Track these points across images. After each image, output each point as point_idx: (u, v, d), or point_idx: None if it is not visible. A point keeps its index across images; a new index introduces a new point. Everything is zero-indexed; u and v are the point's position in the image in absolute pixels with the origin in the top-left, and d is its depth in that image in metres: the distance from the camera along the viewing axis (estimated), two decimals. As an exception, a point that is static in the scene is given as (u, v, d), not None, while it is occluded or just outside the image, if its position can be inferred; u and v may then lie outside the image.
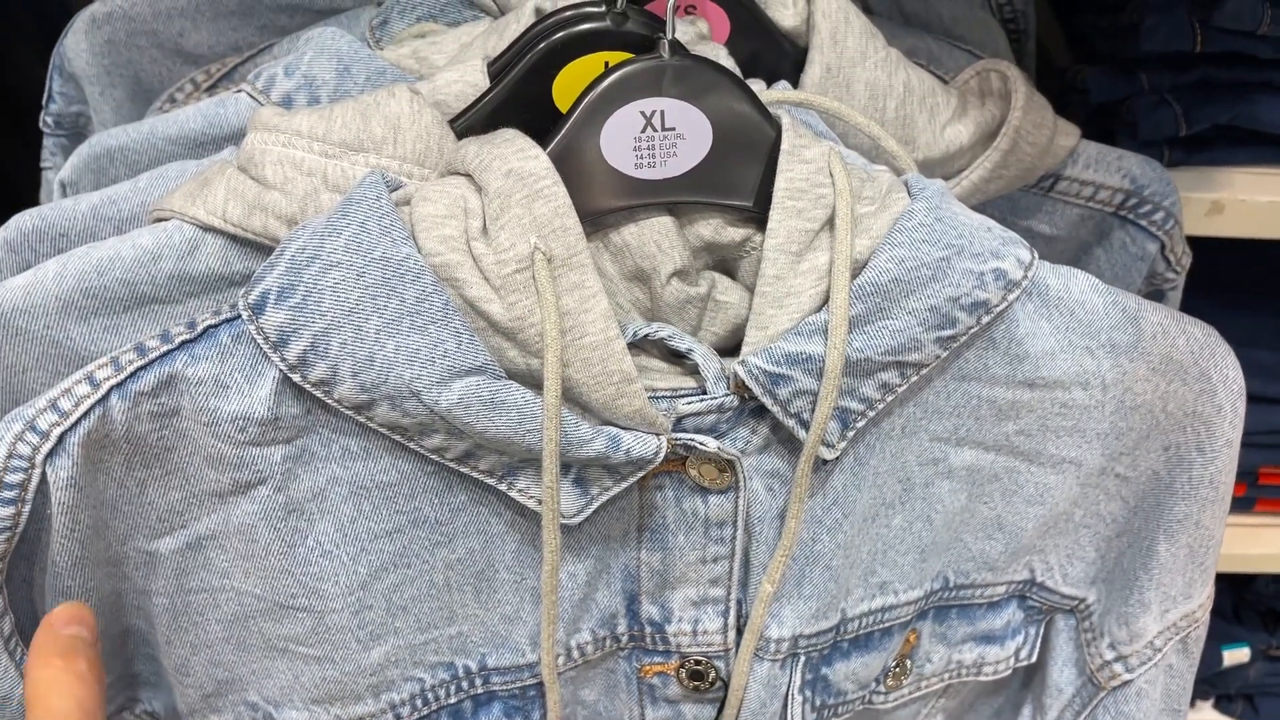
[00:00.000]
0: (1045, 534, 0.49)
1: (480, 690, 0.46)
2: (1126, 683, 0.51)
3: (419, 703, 0.45)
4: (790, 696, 0.47)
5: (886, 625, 0.49)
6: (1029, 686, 0.57)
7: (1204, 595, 0.50)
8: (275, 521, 0.41)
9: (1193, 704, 1.09)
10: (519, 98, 0.43)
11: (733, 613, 0.46)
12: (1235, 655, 0.96)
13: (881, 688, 0.51)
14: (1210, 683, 1.03)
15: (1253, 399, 0.81)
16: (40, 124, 0.58)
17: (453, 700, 0.46)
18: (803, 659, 0.47)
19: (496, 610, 0.45)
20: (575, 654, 0.46)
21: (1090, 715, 0.53)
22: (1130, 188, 0.52)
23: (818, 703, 0.48)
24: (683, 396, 0.41)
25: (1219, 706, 1.08)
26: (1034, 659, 0.54)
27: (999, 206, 0.53)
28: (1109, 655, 0.51)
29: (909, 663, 0.52)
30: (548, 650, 0.43)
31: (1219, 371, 0.44)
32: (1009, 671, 0.54)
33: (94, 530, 0.39)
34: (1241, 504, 0.88)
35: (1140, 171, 0.52)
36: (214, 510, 0.40)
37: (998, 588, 0.51)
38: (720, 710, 0.48)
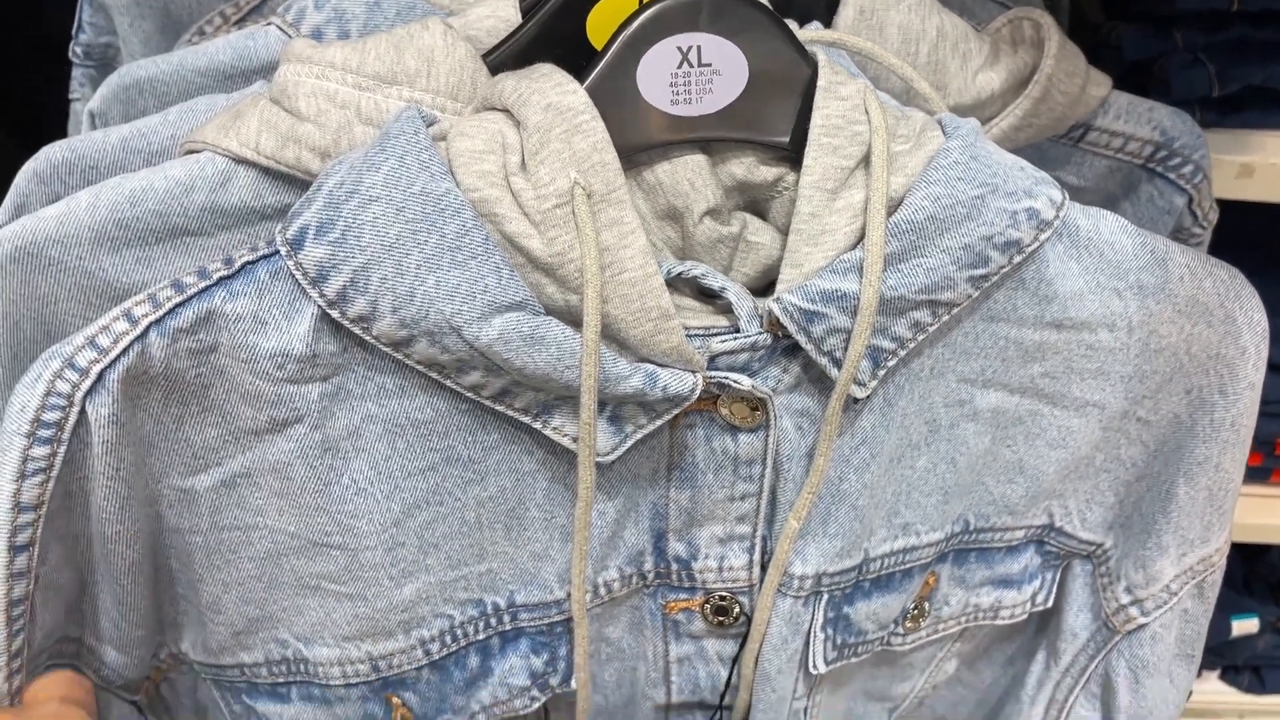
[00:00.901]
0: (1066, 478, 0.51)
1: (509, 627, 0.48)
2: (1141, 626, 0.53)
3: (448, 639, 0.47)
4: (812, 634, 0.49)
5: (907, 566, 0.50)
6: (1043, 632, 0.59)
7: (1221, 539, 0.52)
8: (311, 460, 0.42)
9: (1199, 674, 1.12)
10: (552, 33, 0.44)
11: (758, 549, 0.47)
12: (1244, 625, 0.98)
13: (900, 629, 0.53)
14: (1218, 653, 1.05)
15: (1273, 368, 0.83)
16: (69, 54, 0.59)
17: (481, 636, 0.48)
18: (825, 597, 0.48)
19: (526, 548, 0.46)
20: (602, 591, 0.48)
21: (1104, 659, 0.55)
22: (1160, 139, 0.53)
23: (838, 641, 0.50)
24: (716, 335, 0.42)
25: (1225, 678, 1.11)
26: (1050, 604, 0.56)
27: (1027, 156, 0.53)
28: (1125, 599, 0.53)
29: (927, 605, 0.53)
30: (578, 587, 0.45)
31: (1244, 314, 0.46)
32: (1025, 616, 0.56)
33: (136, 469, 0.40)
34: (1257, 474, 0.90)
35: (1171, 124, 0.53)
36: (250, 448, 0.41)
37: (1016, 532, 0.52)
38: (742, 646, 0.50)
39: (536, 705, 0.49)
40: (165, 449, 0.41)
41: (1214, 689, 1.09)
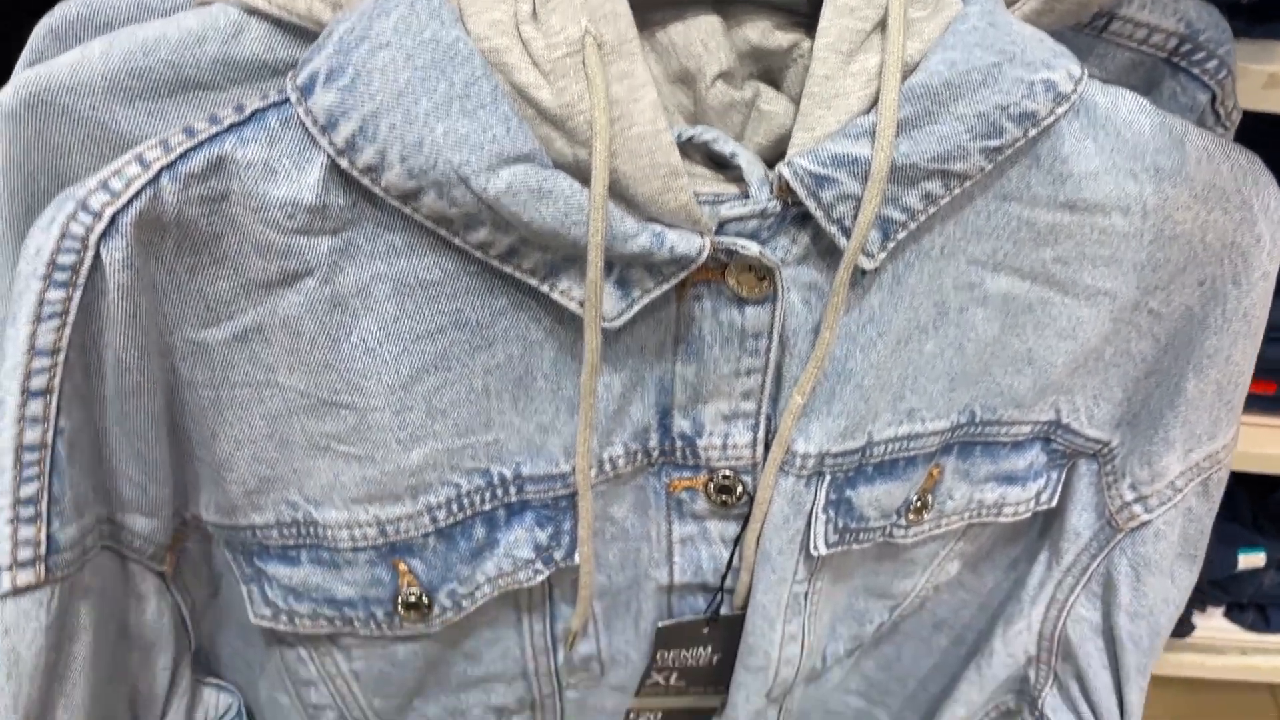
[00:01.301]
0: (1074, 372, 0.51)
1: (514, 498, 0.49)
2: (1145, 524, 0.54)
3: (454, 507, 0.48)
4: (814, 515, 0.49)
5: (911, 454, 0.51)
6: (1046, 535, 0.59)
7: (1229, 435, 0.52)
8: (320, 315, 0.43)
9: (1204, 609, 1.12)
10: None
11: (762, 428, 0.48)
12: (1251, 559, 0.98)
13: (902, 521, 0.54)
14: (1223, 588, 1.06)
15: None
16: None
17: (487, 507, 0.49)
18: (827, 478, 0.49)
19: (533, 419, 0.47)
20: (607, 467, 0.49)
21: (1106, 558, 0.56)
22: (1185, 32, 0.53)
23: (840, 524, 0.50)
24: (725, 202, 0.42)
25: (1230, 615, 1.11)
26: (1054, 503, 0.56)
27: (1048, 44, 0.54)
28: (1129, 496, 0.54)
29: (931, 498, 0.54)
30: (582, 456, 0.45)
31: (1260, 200, 0.46)
32: (1029, 514, 0.56)
33: (151, 317, 0.41)
34: (1270, 404, 0.90)
35: (1196, 15, 0.53)
36: (261, 301, 0.42)
37: (1023, 427, 0.53)
38: (744, 527, 0.50)
39: (540, 578, 0.50)
40: (178, 300, 0.42)
41: (1218, 625, 1.10)
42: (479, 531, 0.49)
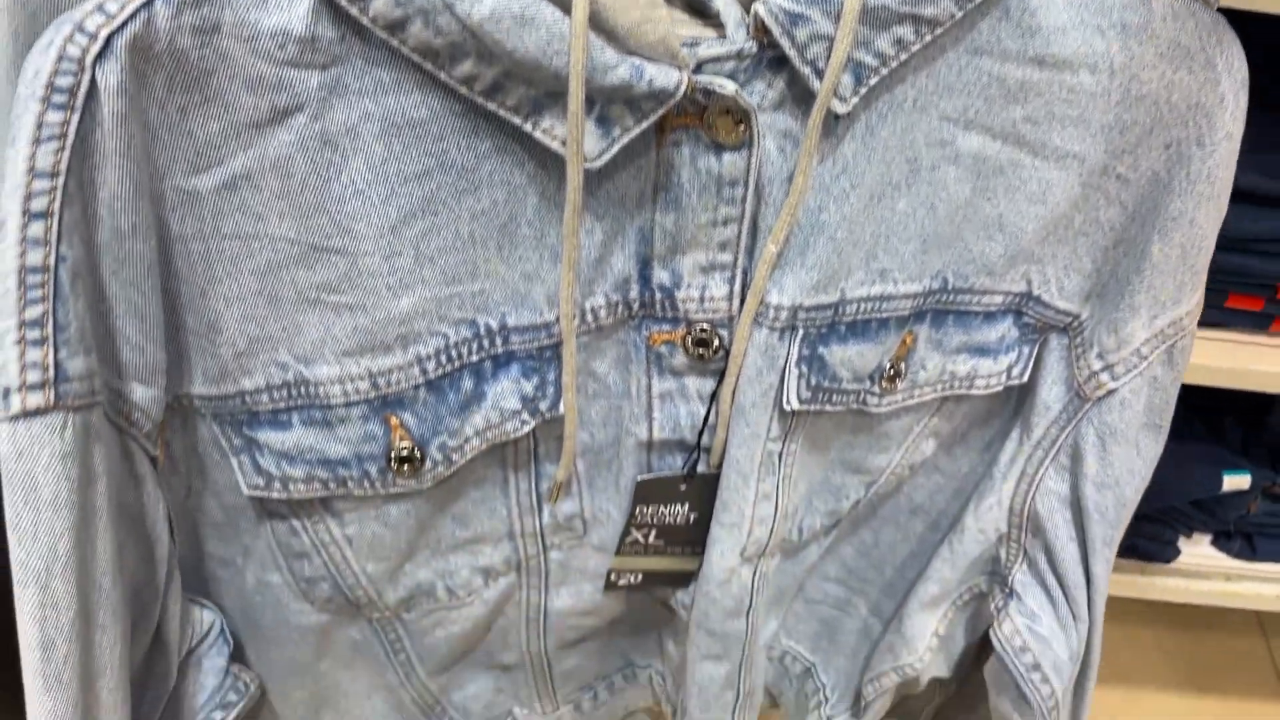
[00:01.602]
0: (1045, 240, 0.53)
1: (500, 350, 0.51)
2: (1111, 392, 0.56)
3: (443, 359, 0.50)
4: (787, 369, 0.52)
5: (884, 316, 0.53)
6: (1018, 414, 0.61)
7: (1193, 301, 0.54)
8: (311, 153, 0.44)
9: (1190, 536, 1.14)
10: None
11: (739, 281, 0.50)
12: (1235, 481, 1.00)
13: (875, 389, 0.56)
14: (1209, 512, 1.07)
15: (1278, 205, 0.84)
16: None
17: (474, 358, 0.50)
18: (800, 332, 0.51)
19: (518, 266, 0.49)
20: (589, 318, 0.51)
21: (1075, 429, 0.58)
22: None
23: (813, 382, 0.52)
24: (703, 43, 0.44)
25: (1217, 543, 1.13)
26: (1025, 378, 0.58)
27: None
28: (1096, 365, 0.56)
29: (904, 366, 0.56)
30: (566, 300, 0.47)
31: (1224, 59, 0.47)
32: (1000, 388, 0.58)
33: (144, 156, 0.42)
34: (1257, 321, 0.91)
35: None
36: (252, 144, 0.44)
37: (995, 297, 0.55)
38: (720, 381, 0.53)
39: (527, 429, 0.52)
40: (169, 142, 0.43)
41: (1204, 553, 1.12)
42: (467, 384, 0.51)
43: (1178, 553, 1.10)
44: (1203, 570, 1.11)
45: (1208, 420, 1.07)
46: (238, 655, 0.60)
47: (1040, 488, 0.61)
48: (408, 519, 0.54)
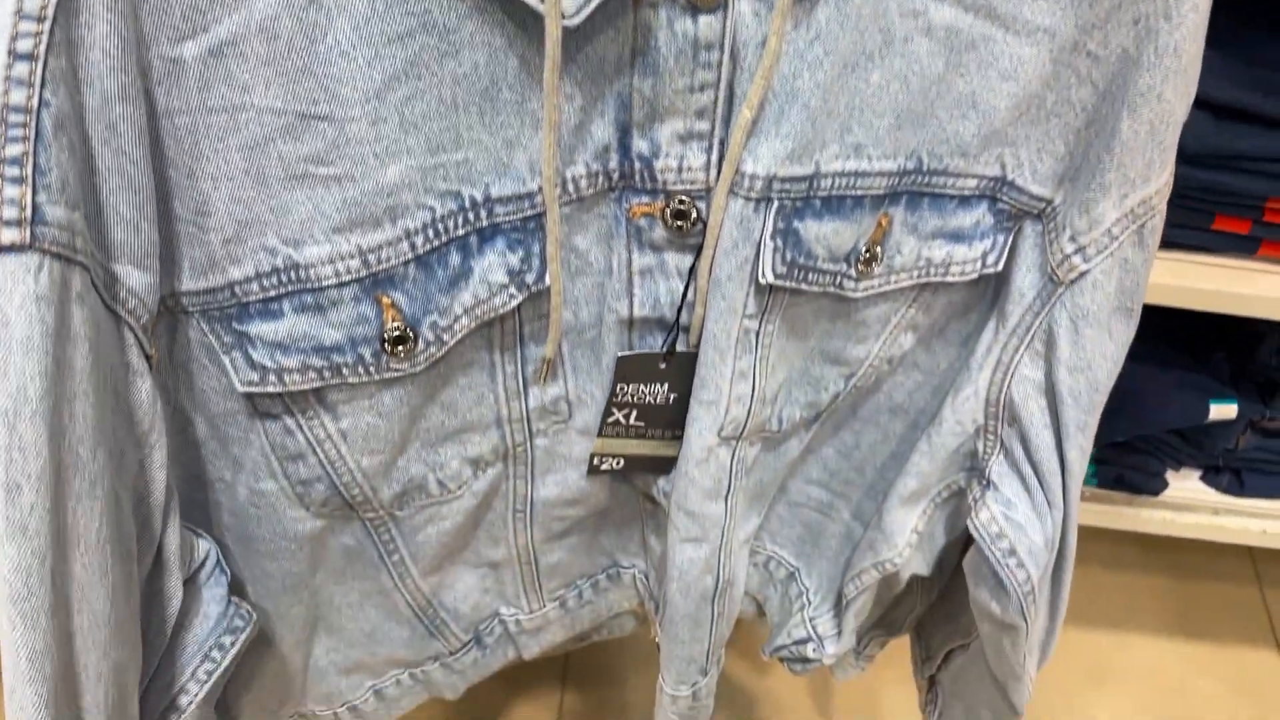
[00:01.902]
0: (1017, 121, 0.54)
1: (485, 223, 0.52)
2: (1083, 274, 0.57)
3: (430, 233, 0.51)
4: (762, 242, 0.53)
5: (859, 194, 0.54)
6: (995, 306, 0.63)
7: (1162, 180, 0.55)
8: (297, 11, 0.45)
9: (1178, 470, 1.16)
10: None
11: (715, 151, 0.52)
12: (1222, 410, 1.01)
13: (852, 271, 0.57)
14: (1195, 444, 1.09)
15: (1271, 123, 0.85)
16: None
17: (460, 232, 0.52)
18: (775, 204, 0.52)
19: (500, 134, 0.50)
20: (571, 187, 0.52)
21: (1048, 315, 0.60)
22: None
23: (789, 257, 0.54)
24: (678, -95, 0.46)
25: (1206, 479, 1.15)
26: (1000, 267, 0.60)
27: None
28: (1069, 248, 0.57)
29: (880, 250, 0.57)
30: (548, 162, 0.49)
31: (1191, -73, 0.49)
32: (975, 275, 0.60)
33: (133, 13, 0.43)
34: (1244, 244, 0.92)
35: None
36: (238, 6, 0.45)
37: (969, 180, 0.56)
38: (697, 256, 0.54)
39: (514, 303, 0.54)
40: (156, 4, 0.43)
41: (1193, 487, 1.14)
42: (454, 259, 0.52)
43: (1165, 485, 1.11)
44: (1190, 504, 1.13)
45: (1196, 353, 1.08)
46: (233, 588, 0.60)
47: (1016, 375, 0.62)
48: (400, 407, 0.56)
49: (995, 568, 0.65)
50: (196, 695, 0.56)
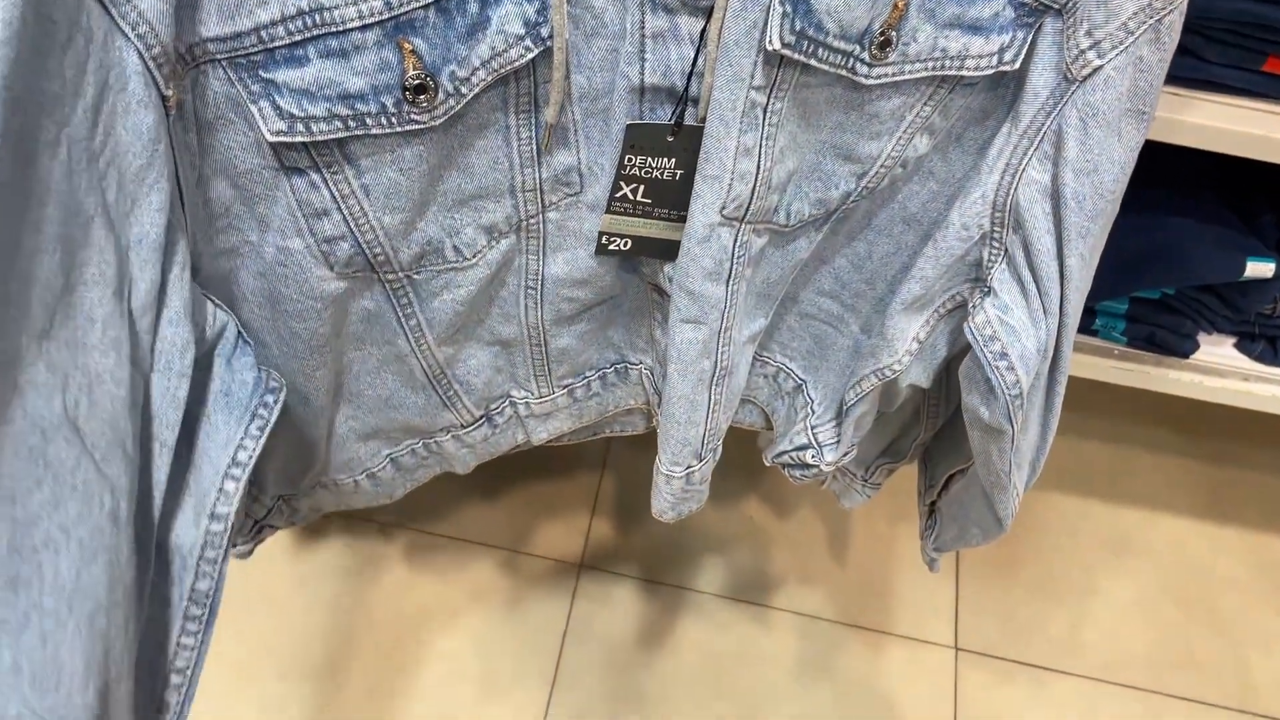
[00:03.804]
0: None
1: None
2: (1097, 70, 0.58)
3: None
4: (771, 7, 0.55)
5: None
6: (1012, 109, 0.64)
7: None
8: None
9: (1211, 333, 1.16)
10: None
11: None
12: (1259, 268, 1.01)
13: (865, 55, 0.58)
14: (1230, 305, 1.09)
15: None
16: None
17: None
18: None
19: None
20: None
21: (1059, 114, 0.61)
22: None
23: (798, 26, 0.55)
24: None
25: (1239, 346, 1.15)
26: (1018, 65, 0.61)
27: None
28: (1084, 43, 0.58)
29: (895, 35, 0.58)
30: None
31: None
32: (991, 71, 0.61)
33: None
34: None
35: None
36: None
37: None
38: (709, 19, 0.56)
39: (530, 56, 0.55)
40: None
41: (1225, 353, 1.14)
42: (472, 6, 0.54)
43: (1196, 346, 1.12)
44: (1220, 369, 1.13)
45: (1240, 209, 1.07)
46: (262, 358, 0.64)
47: (1023, 178, 0.64)
48: (420, 164, 0.59)
49: (986, 371, 0.68)
50: (254, 450, 0.60)
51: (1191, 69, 0.84)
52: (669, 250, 0.68)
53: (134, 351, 0.51)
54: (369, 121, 0.55)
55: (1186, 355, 1.13)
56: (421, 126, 0.56)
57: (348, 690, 1.34)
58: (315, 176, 0.58)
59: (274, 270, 0.63)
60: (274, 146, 0.56)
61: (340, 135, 0.56)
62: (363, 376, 0.76)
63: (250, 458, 0.59)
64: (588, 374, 0.82)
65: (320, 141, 0.56)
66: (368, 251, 0.63)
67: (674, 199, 0.65)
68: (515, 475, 1.54)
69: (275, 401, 0.62)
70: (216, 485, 0.58)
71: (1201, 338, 1.13)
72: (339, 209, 0.60)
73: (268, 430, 0.60)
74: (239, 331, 0.62)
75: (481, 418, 0.82)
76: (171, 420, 0.54)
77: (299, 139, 0.55)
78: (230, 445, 0.59)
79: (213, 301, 0.61)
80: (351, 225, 0.61)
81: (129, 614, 0.49)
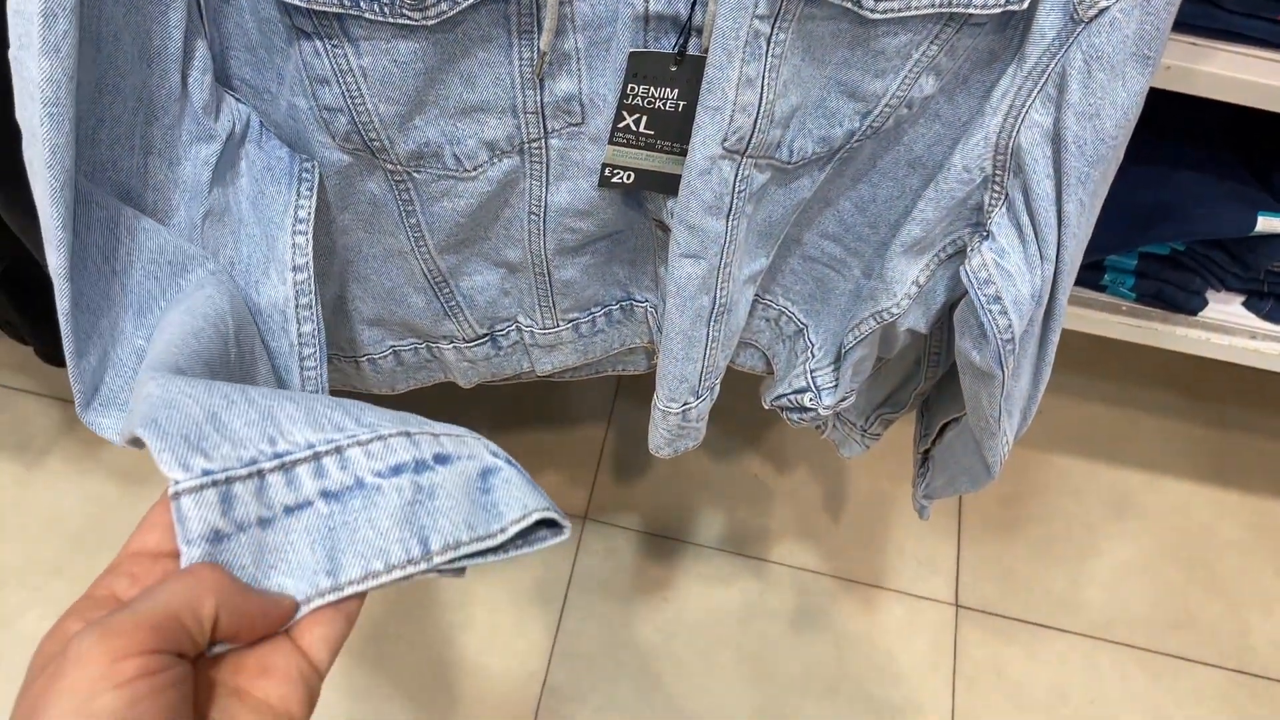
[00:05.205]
0: None
1: None
2: (1103, 11, 0.58)
3: None
4: (775, -67, 0.55)
5: None
6: (1018, 54, 0.64)
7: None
8: None
9: (1220, 291, 1.17)
10: None
11: None
12: (1270, 223, 1.01)
13: (871, -11, 0.59)
14: (1242, 262, 1.09)
15: None
16: None
17: None
18: None
19: None
20: None
21: (1064, 56, 0.61)
22: None
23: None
24: None
25: (1248, 304, 1.16)
26: (1025, 4, 0.61)
27: None
28: (1091, -18, 0.58)
29: (902, -31, 0.59)
30: None
31: None
32: (999, 10, 0.61)
33: None
34: None
35: None
36: None
37: None
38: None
39: None
40: None
41: (1233, 311, 1.15)
42: None
43: (1204, 303, 1.13)
44: (1227, 326, 1.14)
45: (1253, 165, 1.07)
46: None
47: (1026, 121, 0.64)
48: (415, 61, 0.60)
49: (979, 314, 0.69)
50: (310, 207, 0.66)
51: (1208, 18, 0.84)
52: (672, 185, 0.69)
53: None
54: (363, 5, 0.57)
55: (1195, 312, 1.13)
56: (414, 23, 0.57)
57: (350, 639, 1.37)
58: (319, 44, 0.60)
59: (286, 123, 0.66)
60: (283, 4, 0.58)
61: (336, 10, 0.57)
62: (370, 261, 0.78)
63: (308, 214, 0.65)
64: (593, 310, 0.83)
65: (320, 11, 0.57)
66: (364, 133, 0.65)
67: (677, 131, 0.66)
68: (521, 428, 1.56)
69: (313, 166, 0.67)
70: (289, 243, 0.64)
71: (1210, 295, 1.14)
72: (338, 82, 0.62)
73: (315, 188, 0.66)
74: (261, 124, 0.66)
75: (485, 336, 0.84)
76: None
77: (299, 1, 0.57)
78: (290, 207, 0.65)
79: (234, 96, 0.65)
80: (348, 101, 0.63)
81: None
